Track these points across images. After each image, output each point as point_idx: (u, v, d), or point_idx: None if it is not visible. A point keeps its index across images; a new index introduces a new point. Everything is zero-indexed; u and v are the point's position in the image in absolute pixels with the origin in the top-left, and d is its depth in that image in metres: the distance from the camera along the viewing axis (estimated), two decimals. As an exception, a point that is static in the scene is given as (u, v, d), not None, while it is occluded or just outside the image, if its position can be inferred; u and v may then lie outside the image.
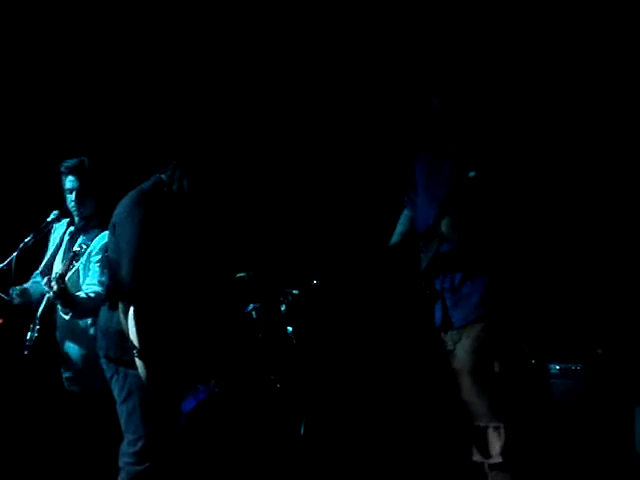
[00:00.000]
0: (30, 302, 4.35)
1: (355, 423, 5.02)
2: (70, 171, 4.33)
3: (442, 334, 3.84)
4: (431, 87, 3.85)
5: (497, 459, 3.59)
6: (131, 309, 3.58)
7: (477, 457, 3.66)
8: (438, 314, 3.90)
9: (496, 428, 3.60)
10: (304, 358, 5.03)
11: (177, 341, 3.71)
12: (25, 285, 4.38)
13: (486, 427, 3.61)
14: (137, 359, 3.59)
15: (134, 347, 3.58)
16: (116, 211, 3.74)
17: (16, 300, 4.31)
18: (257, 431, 4.88)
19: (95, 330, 4.04)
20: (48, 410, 4.35)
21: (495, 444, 3.60)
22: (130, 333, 3.59)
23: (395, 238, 4.15)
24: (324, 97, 5.70)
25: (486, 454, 3.63)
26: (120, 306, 3.64)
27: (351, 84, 5.66)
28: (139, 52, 5.58)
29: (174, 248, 3.70)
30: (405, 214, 4.24)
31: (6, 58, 5.48)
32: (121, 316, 3.65)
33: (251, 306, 5.01)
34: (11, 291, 4.30)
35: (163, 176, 3.81)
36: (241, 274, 5.00)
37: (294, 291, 5.03)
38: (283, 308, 5.02)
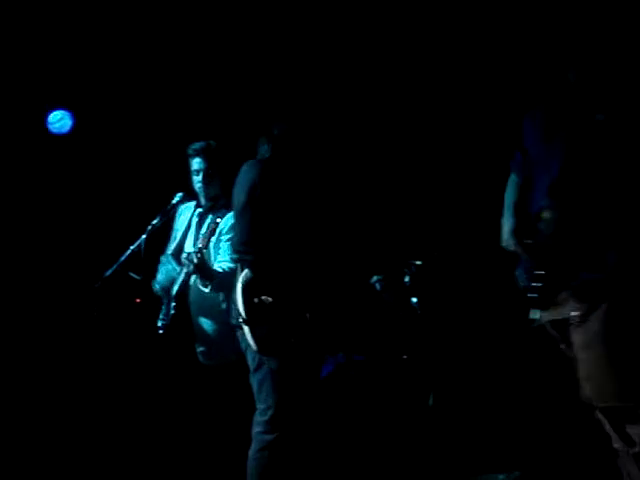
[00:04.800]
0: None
1: (483, 392, 4.99)
2: (198, 153, 4.47)
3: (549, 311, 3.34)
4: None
5: (637, 448, 3.17)
6: (240, 279, 3.71)
7: (618, 444, 3.25)
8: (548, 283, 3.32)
9: (632, 409, 3.17)
10: (429, 329, 5.03)
11: (293, 311, 3.78)
12: (159, 277, 4.53)
13: (621, 408, 3.20)
14: (244, 325, 3.69)
15: (238, 314, 3.69)
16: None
17: (160, 291, 4.50)
18: (384, 403, 4.91)
19: (228, 303, 4.16)
20: (185, 384, 4.48)
21: (635, 428, 3.19)
22: (237, 301, 3.71)
23: (509, 215, 3.80)
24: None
25: (628, 441, 3.21)
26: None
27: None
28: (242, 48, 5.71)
29: (295, 217, 3.80)
30: (512, 180, 3.84)
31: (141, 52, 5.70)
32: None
33: (375, 278, 5.05)
34: (156, 286, 4.50)
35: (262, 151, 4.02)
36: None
37: (417, 262, 5.02)
38: (407, 279, 5.02)
